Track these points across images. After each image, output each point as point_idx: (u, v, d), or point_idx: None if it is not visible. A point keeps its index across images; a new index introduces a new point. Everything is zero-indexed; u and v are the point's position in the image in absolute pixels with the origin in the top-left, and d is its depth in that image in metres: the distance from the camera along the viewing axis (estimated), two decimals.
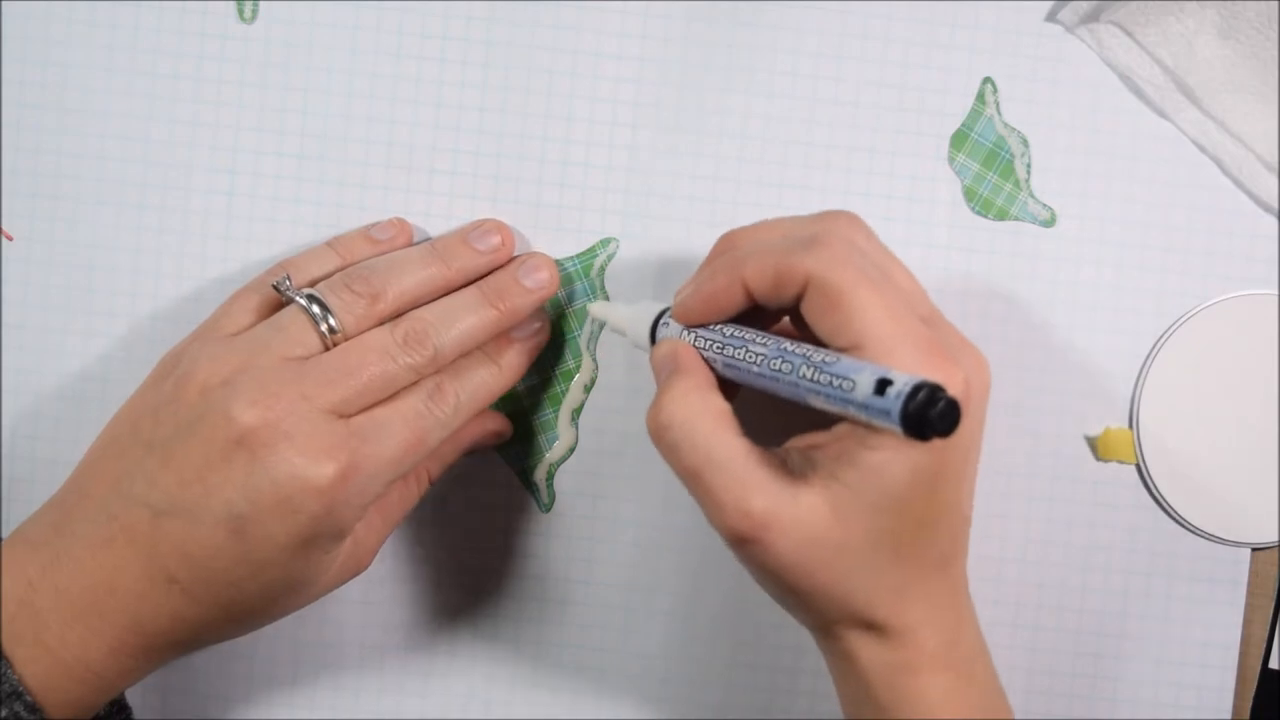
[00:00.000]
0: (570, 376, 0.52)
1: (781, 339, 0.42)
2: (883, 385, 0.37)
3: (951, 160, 0.52)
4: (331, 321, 0.45)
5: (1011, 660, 0.52)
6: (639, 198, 0.52)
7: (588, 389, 0.52)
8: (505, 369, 0.49)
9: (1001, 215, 0.52)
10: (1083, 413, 0.52)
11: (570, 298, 0.52)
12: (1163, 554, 0.53)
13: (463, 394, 0.47)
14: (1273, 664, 0.53)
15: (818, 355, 0.40)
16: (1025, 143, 0.52)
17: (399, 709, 0.53)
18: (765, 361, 0.41)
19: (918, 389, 0.36)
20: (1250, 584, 0.53)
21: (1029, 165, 0.52)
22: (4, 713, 0.41)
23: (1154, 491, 0.52)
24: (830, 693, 0.52)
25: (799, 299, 0.41)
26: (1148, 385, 0.52)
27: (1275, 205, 0.52)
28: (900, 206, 0.52)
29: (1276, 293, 0.52)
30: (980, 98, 0.52)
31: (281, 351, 0.44)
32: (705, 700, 0.53)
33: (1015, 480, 0.52)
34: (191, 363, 0.45)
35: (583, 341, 0.52)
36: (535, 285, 0.49)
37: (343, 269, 0.48)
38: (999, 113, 0.52)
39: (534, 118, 0.52)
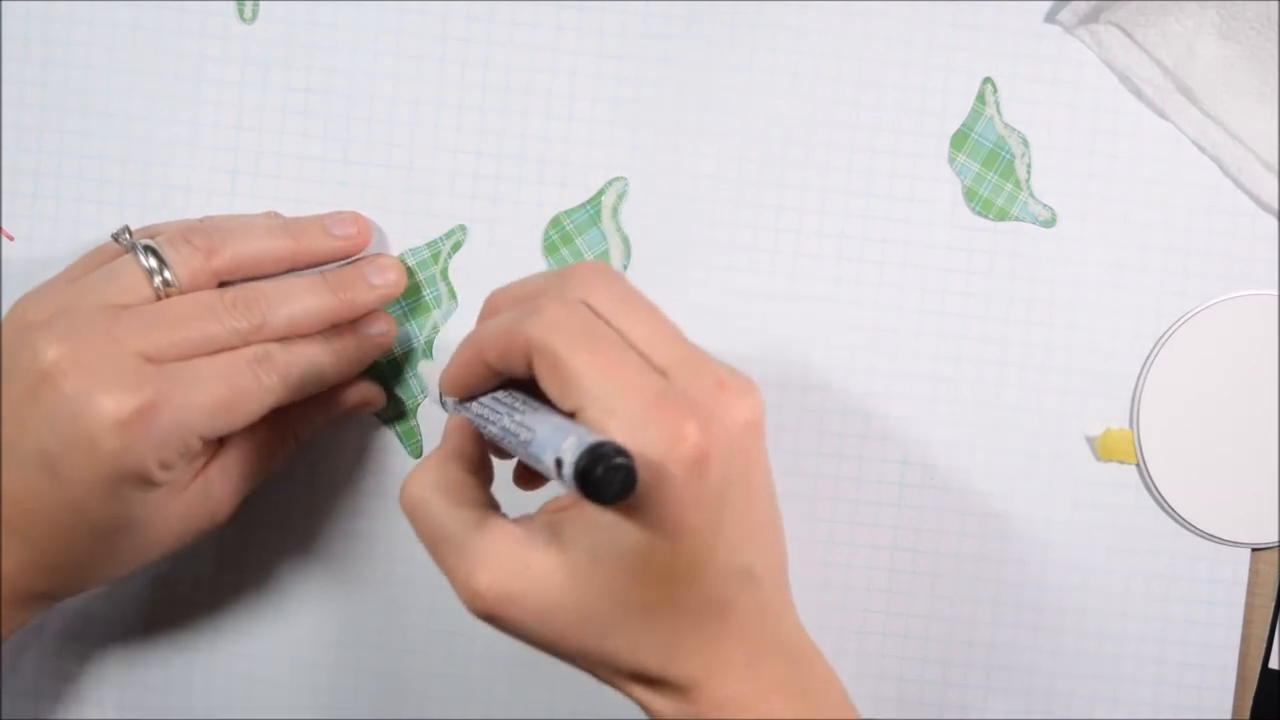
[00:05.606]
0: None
1: (514, 412, 0.39)
2: (559, 464, 0.36)
3: (951, 160, 0.52)
4: (167, 275, 0.45)
5: (1011, 660, 0.52)
6: (639, 198, 0.52)
7: None
8: (342, 358, 0.48)
9: (1001, 215, 0.52)
10: (1083, 413, 0.52)
11: None
12: (1163, 554, 0.53)
13: (294, 370, 0.46)
14: (1273, 664, 0.53)
15: (523, 434, 0.38)
16: (1025, 143, 0.52)
17: (398, 709, 0.53)
18: (500, 439, 0.40)
19: (587, 453, 0.35)
20: (1250, 584, 0.53)
21: (1029, 165, 0.52)
22: None
23: (1154, 491, 0.52)
24: None
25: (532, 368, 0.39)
26: (1148, 385, 0.52)
27: (1275, 205, 0.52)
28: (900, 206, 0.52)
29: (1276, 293, 0.52)
30: (980, 98, 0.52)
31: (108, 298, 0.44)
32: None
33: (1015, 480, 0.52)
34: (24, 305, 0.45)
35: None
36: (381, 283, 0.49)
37: None
38: (999, 113, 0.52)
39: (534, 117, 0.52)
